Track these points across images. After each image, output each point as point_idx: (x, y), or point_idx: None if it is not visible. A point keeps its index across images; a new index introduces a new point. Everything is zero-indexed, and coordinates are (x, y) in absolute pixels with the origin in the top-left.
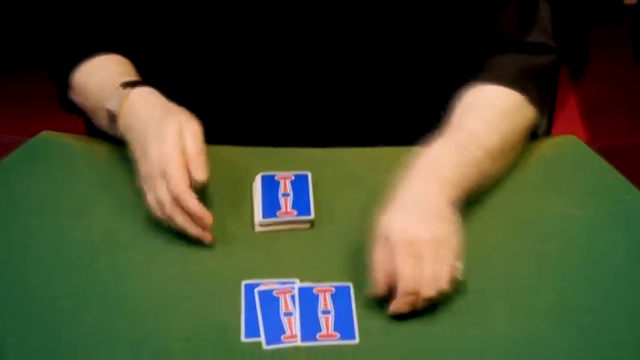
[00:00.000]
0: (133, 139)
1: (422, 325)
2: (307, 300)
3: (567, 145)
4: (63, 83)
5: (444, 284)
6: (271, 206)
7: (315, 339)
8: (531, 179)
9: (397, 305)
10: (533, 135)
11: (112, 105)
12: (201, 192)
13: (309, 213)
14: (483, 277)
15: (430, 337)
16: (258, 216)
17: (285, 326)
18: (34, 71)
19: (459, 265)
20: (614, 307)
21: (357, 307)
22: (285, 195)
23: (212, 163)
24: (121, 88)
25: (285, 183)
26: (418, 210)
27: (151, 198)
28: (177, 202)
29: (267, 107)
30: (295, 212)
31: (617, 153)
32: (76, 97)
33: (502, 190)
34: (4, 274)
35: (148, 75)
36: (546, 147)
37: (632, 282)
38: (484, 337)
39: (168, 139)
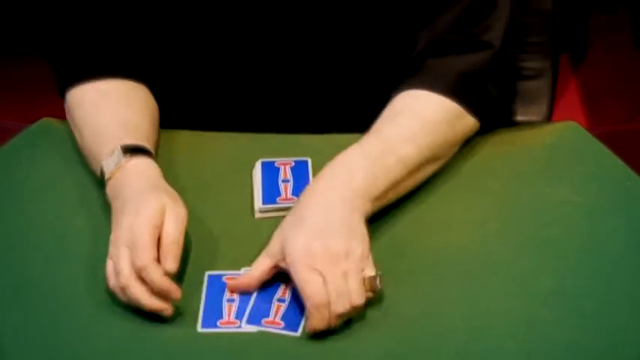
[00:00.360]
0: (115, 206)
1: (422, 312)
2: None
3: (567, 131)
4: (61, 93)
5: (355, 299)
6: (271, 192)
7: (259, 324)
8: (531, 165)
9: (310, 323)
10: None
11: (107, 166)
12: (200, 181)
13: None
14: (483, 262)
15: (430, 321)
16: (258, 202)
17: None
18: (34, 57)
19: (372, 275)
20: (614, 292)
21: None
22: (285, 181)
23: (212, 149)
24: (120, 153)
25: (285, 169)
26: (317, 225)
27: (109, 266)
28: (139, 273)
29: (264, 94)
30: (295, 199)
31: (617, 139)
32: (68, 117)
33: (502, 176)
34: (4, 261)
35: (146, 68)
36: (547, 133)
37: (632, 268)
38: (484, 322)
39: (146, 212)
